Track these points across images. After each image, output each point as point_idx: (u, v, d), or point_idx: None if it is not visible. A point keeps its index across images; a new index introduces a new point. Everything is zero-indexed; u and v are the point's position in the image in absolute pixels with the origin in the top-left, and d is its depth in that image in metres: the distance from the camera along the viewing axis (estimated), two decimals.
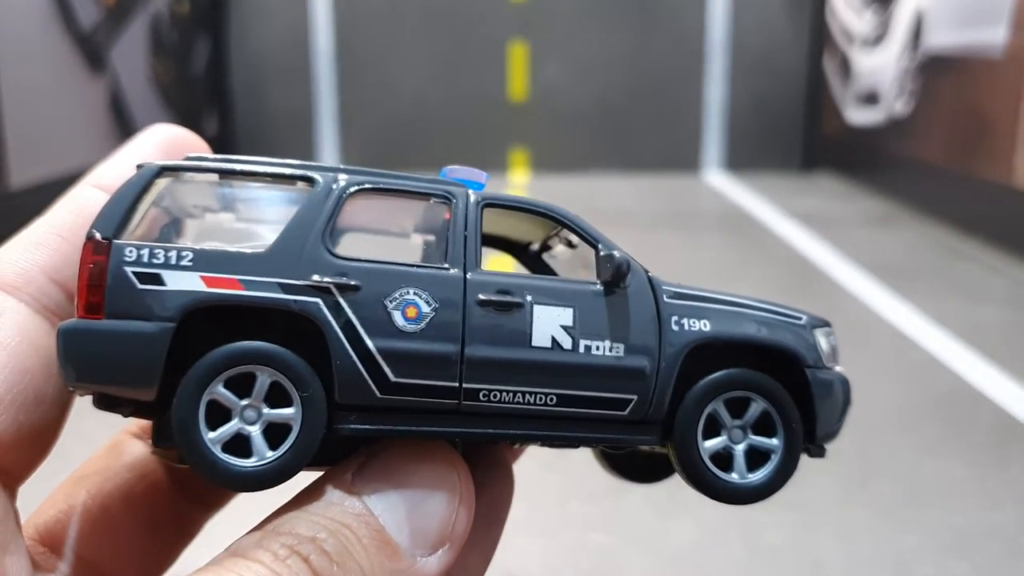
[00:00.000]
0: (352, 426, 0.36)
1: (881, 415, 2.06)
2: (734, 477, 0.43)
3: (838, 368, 0.46)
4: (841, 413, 0.46)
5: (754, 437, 0.44)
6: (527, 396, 0.39)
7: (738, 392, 0.43)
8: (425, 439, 0.37)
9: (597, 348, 0.40)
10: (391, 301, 0.38)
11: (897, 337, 2.58)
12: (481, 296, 0.39)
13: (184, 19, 5.20)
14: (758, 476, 0.43)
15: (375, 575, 0.31)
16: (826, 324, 0.47)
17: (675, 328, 0.41)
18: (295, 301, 0.37)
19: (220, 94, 5.74)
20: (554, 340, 0.39)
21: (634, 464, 0.49)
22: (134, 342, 0.37)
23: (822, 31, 5.59)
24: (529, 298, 0.39)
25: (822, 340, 0.46)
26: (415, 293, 0.38)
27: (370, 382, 0.37)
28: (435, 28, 5.71)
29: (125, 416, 0.39)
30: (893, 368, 2.34)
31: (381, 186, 0.41)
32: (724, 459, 0.43)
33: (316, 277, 0.38)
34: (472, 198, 0.42)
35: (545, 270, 0.49)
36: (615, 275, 0.41)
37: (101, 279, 0.37)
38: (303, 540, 0.30)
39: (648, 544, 1.55)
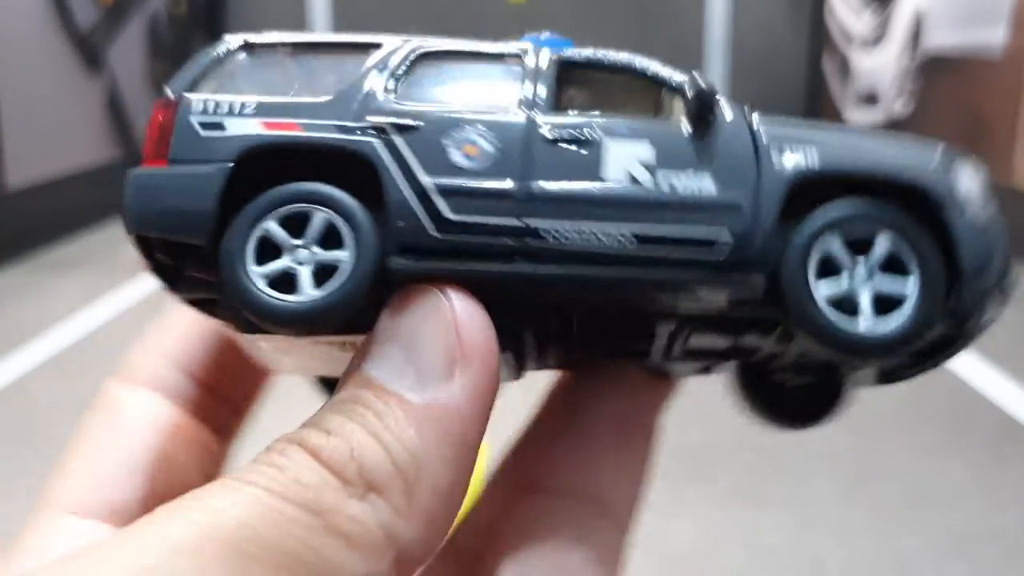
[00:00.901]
0: (407, 265, 0.34)
1: (881, 416, 2.06)
2: (860, 324, 0.36)
3: (988, 209, 0.39)
4: (994, 265, 0.38)
5: (882, 279, 0.36)
6: (600, 236, 0.35)
7: (858, 226, 0.36)
8: (484, 281, 0.34)
9: (680, 183, 0.36)
10: (450, 139, 0.36)
11: None
12: (548, 134, 0.36)
13: (182, 20, 5.19)
14: (889, 323, 0.36)
15: (392, 429, 0.28)
16: (971, 159, 0.39)
17: (775, 160, 0.36)
18: (351, 140, 0.36)
19: None
20: (630, 175, 0.36)
21: (787, 399, 0.43)
22: (189, 182, 0.36)
23: (821, 32, 5.59)
24: (602, 133, 0.36)
25: (963, 174, 0.38)
26: (475, 132, 0.36)
27: (426, 220, 0.35)
28: (433, 30, 5.68)
29: (174, 291, 0.38)
30: None
31: (450, 48, 0.40)
32: (847, 306, 0.36)
33: (373, 118, 0.36)
34: (547, 53, 0.39)
35: None
36: (698, 102, 0.37)
37: (168, 130, 0.38)
38: (298, 431, 0.28)
39: (647, 544, 1.54)
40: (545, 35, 0.41)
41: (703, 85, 0.37)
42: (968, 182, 0.38)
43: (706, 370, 0.42)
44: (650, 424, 0.38)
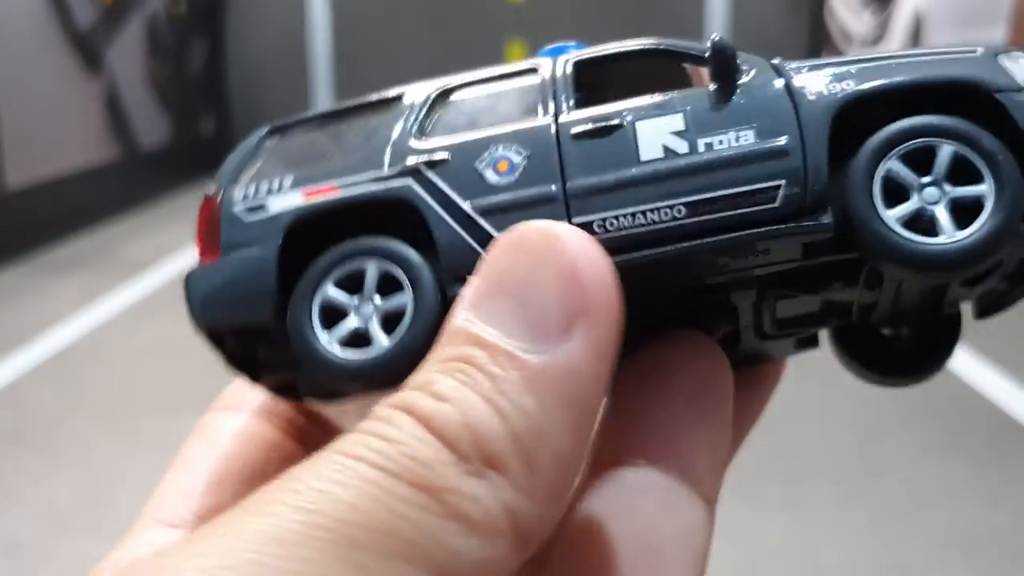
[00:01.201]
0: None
1: (881, 416, 2.06)
2: (941, 239, 0.34)
3: None
4: None
5: (955, 188, 0.35)
6: (650, 214, 0.34)
7: (915, 142, 0.35)
8: None
9: (720, 142, 0.35)
10: (480, 162, 0.36)
11: None
12: (574, 130, 0.36)
13: (181, 19, 5.19)
14: (972, 230, 0.34)
15: (509, 394, 0.25)
16: (1014, 49, 0.37)
17: (812, 97, 0.35)
18: (388, 188, 0.37)
19: (217, 95, 5.73)
20: (666, 148, 0.35)
21: (894, 357, 0.42)
22: (244, 266, 0.37)
23: (821, 32, 5.59)
24: (629, 117, 0.36)
25: (1014, 64, 0.36)
26: (503, 148, 0.36)
27: (476, 244, 0.35)
28: (433, 29, 5.71)
29: (262, 385, 0.38)
30: None
31: (465, 81, 0.40)
32: (924, 227, 0.34)
33: (406, 162, 0.37)
34: (559, 60, 0.40)
35: None
36: (719, 58, 0.36)
37: (216, 223, 0.39)
38: (404, 394, 0.25)
39: None
40: (556, 45, 0.41)
41: (719, 41, 0.36)
42: (1018, 68, 0.36)
43: (808, 343, 0.41)
44: (724, 388, 0.36)
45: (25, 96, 3.55)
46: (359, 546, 0.22)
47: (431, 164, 0.36)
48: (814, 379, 2.26)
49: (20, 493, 1.72)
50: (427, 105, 0.40)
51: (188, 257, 3.53)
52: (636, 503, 0.31)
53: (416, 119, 0.39)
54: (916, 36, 4.36)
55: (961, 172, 0.34)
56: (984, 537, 1.58)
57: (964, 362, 2.38)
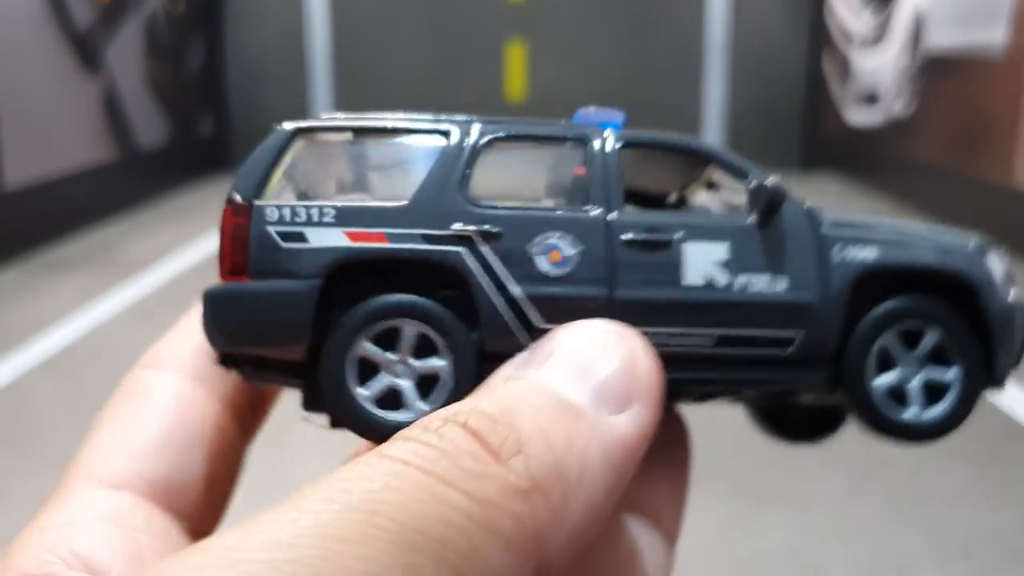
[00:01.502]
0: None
1: None
2: (911, 413, 0.39)
3: (1014, 292, 0.43)
4: (1020, 340, 0.41)
5: (931, 370, 0.40)
6: (682, 338, 0.37)
7: (912, 322, 0.40)
8: None
9: (756, 284, 0.37)
10: (534, 246, 0.37)
11: None
12: (626, 236, 0.37)
13: (179, 19, 5.19)
14: (935, 411, 0.40)
15: (560, 432, 0.26)
16: (997, 248, 0.43)
17: (839, 258, 0.39)
18: (440, 251, 0.37)
19: (215, 95, 5.73)
20: (708, 278, 0.37)
21: (793, 420, 0.46)
22: (282, 300, 0.37)
23: (821, 32, 5.59)
24: (679, 235, 0.37)
25: (995, 264, 0.42)
26: (558, 237, 0.37)
27: (518, 329, 0.36)
28: (432, 29, 5.70)
29: (275, 386, 0.39)
30: None
31: (515, 134, 0.40)
32: (899, 395, 0.40)
33: (458, 226, 0.37)
34: (609, 138, 0.40)
35: None
36: (769, 204, 0.39)
37: (244, 240, 0.37)
38: (460, 411, 0.26)
39: None
40: (601, 112, 0.41)
41: (773, 187, 0.39)
42: (998, 269, 0.42)
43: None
44: (688, 450, 0.39)
45: (23, 96, 3.54)
46: (415, 548, 0.22)
47: (485, 236, 0.36)
48: None
49: (20, 492, 1.72)
50: (475, 153, 0.39)
51: (187, 257, 3.52)
52: (619, 539, 0.34)
53: (465, 169, 0.38)
54: (916, 36, 4.36)
55: (939, 354, 0.40)
56: (985, 538, 1.58)
57: None
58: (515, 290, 0.36)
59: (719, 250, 0.37)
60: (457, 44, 5.72)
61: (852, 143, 5.22)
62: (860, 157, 5.06)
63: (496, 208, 0.38)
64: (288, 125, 0.40)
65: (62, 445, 2.06)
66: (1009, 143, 3.43)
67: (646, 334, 0.34)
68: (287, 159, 0.40)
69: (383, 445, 0.26)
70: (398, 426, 0.34)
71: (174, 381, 0.38)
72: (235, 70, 5.78)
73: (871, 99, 4.94)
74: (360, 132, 0.40)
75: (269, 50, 5.74)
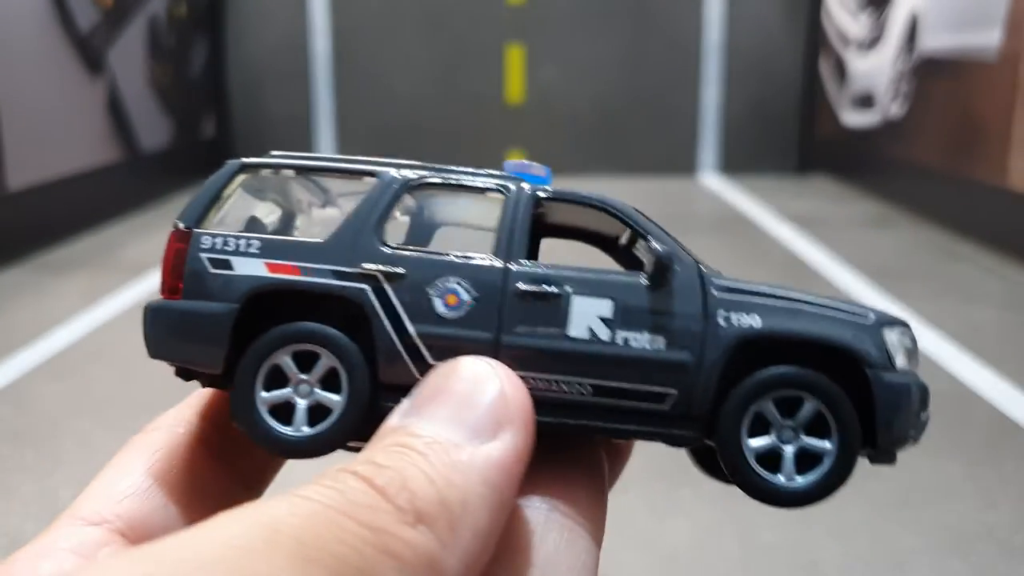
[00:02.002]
0: (394, 405, 0.37)
1: None
2: (780, 479, 0.41)
3: (915, 371, 0.44)
4: (914, 419, 0.43)
5: (806, 439, 0.41)
6: (562, 385, 0.39)
7: (788, 391, 0.41)
8: None
9: (636, 340, 0.40)
10: (433, 288, 0.40)
11: None
12: (520, 286, 0.40)
13: (182, 21, 5.20)
14: (806, 479, 0.41)
15: (441, 470, 0.30)
16: (902, 324, 0.44)
17: (722, 323, 0.40)
18: (345, 287, 0.40)
19: (218, 97, 5.74)
20: (591, 331, 0.39)
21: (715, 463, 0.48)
22: (203, 320, 0.41)
23: (817, 34, 5.61)
24: (569, 289, 0.40)
25: (892, 339, 0.43)
26: (456, 282, 0.40)
27: (410, 364, 0.39)
28: (432, 31, 5.72)
29: (203, 386, 0.43)
30: None
31: (435, 181, 0.43)
32: (775, 459, 0.41)
33: (366, 265, 0.40)
34: (526, 191, 0.43)
35: (635, 263, 0.48)
36: (656, 267, 0.41)
37: (181, 264, 0.42)
38: (352, 463, 0.30)
39: (643, 543, 1.56)
40: (525, 165, 0.44)
41: (661, 252, 0.41)
42: (894, 346, 0.42)
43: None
44: (603, 462, 0.41)
45: (26, 98, 3.56)
46: (316, 563, 0.25)
47: (389, 276, 0.40)
48: None
49: (22, 491, 1.73)
50: (395, 198, 0.42)
51: None
52: (545, 536, 0.36)
53: (383, 212, 0.42)
54: (912, 38, 4.38)
55: (815, 423, 0.41)
56: (980, 535, 1.59)
57: (960, 362, 2.40)
58: (411, 329, 0.39)
59: (604, 306, 0.40)
60: (457, 46, 5.74)
61: (848, 145, 5.24)
62: (856, 159, 5.08)
63: (405, 250, 0.41)
64: (235, 161, 0.45)
65: (64, 444, 2.07)
66: (1003, 145, 3.45)
67: (530, 379, 0.38)
68: (233, 191, 0.44)
69: (290, 490, 0.29)
70: (274, 433, 0.39)
71: (167, 437, 0.41)
72: (237, 72, 5.79)
73: (867, 101, 4.95)
74: (301, 170, 0.44)
75: (271, 52, 5.75)
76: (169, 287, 0.42)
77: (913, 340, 0.44)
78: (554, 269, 0.41)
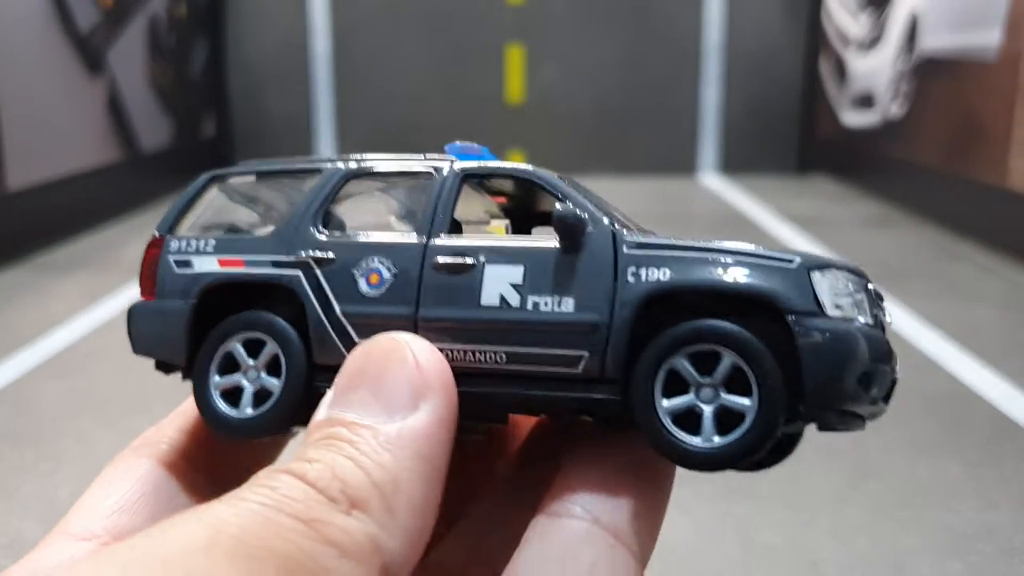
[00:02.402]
0: (327, 385, 0.38)
1: None
2: (697, 440, 0.38)
3: (861, 319, 0.40)
4: (859, 373, 0.38)
5: (725, 396, 0.38)
6: (479, 355, 0.39)
7: (702, 345, 0.38)
8: None
9: (545, 304, 0.39)
10: (358, 269, 0.41)
11: (892, 338, 2.58)
12: (439, 260, 0.41)
13: (182, 21, 5.20)
14: (723, 440, 0.38)
15: (368, 453, 0.31)
16: (841, 268, 0.40)
17: (631, 279, 0.39)
18: (280, 275, 0.42)
19: (218, 97, 5.74)
20: (502, 298, 0.39)
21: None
22: (166, 316, 0.44)
23: (817, 34, 5.61)
24: (482, 258, 0.40)
25: (822, 283, 0.39)
26: (379, 260, 0.41)
27: (339, 344, 0.41)
28: (432, 31, 5.72)
29: (183, 379, 0.45)
30: None
31: (371, 170, 0.45)
32: (695, 419, 0.38)
33: (301, 253, 0.42)
34: (453, 168, 0.44)
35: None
36: (565, 230, 0.40)
37: (154, 267, 0.45)
38: (283, 464, 0.31)
39: None
40: (464, 145, 0.45)
41: (568, 217, 0.40)
42: (825, 290, 0.39)
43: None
44: (669, 472, 0.40)
45: (27, 98, 3.56)
46: (256, 559, 0.26)
47: (319, 261, 0.41)
48: None
49: (22, 491, 1.73)
50: (334, 189, 0.44)
51: None
52: (581, 551, 0.35)
53: (322, 203, 0.44)
54: (912, 38, 4.38)
55: (736, 380, 0.38)
56: (980, 535, 1.59)
57: (961, 362, 2.40)
58: (338, 309, 0.41)
59: (515, 272, 0.39)
60: (457, 47, 5.74)
61: (848, 145, 5.24)
62: (856, 159, 5.08)
63: (336, 236, 0.43)
64: (206, 174, 0.48)
65: (64, 444, 2.07)
66: (1003, 145, 3.46)
67: (448, 350, 0.38)
68: (201, 204, 0.47)
69: (227, 494, 0.30)
70: (221, 414, 0.42)
71: (152, 452, 0.43)
72: (237, 72, 5.79)
73: (867, 101, 4.96)
74: (261, 175, 0.47)
75: (271, 53, 5.75)
76: (146, 289, 0.45)
77: (864, 287, 0.40)
78: (471, 239, 0.41)
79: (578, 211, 0.40)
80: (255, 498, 0.28)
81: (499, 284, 0.39)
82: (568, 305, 0.39)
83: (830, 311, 0.39)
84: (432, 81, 5.73)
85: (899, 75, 4.54)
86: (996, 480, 1.78)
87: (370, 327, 0.39)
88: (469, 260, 0.40)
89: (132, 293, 3.06)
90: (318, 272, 0.41)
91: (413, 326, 0.39)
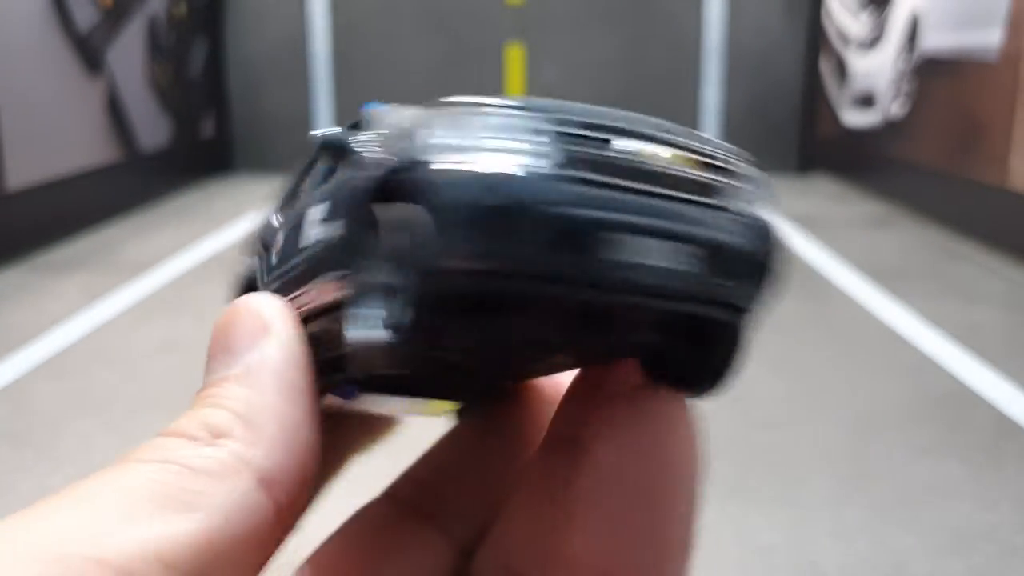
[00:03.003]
0: None
1: (876, 415, 2.07)
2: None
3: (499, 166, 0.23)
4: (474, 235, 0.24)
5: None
6: (302, 298, 0.37)
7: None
8: None
9: (322, 233, 0.37)
10: (274, 244, 0.41)
11: (892, 338, 2.58)
12: (277, 219, 0.41)
13: (181, 21, 5.20)
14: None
15: (226, 396, 0.32)
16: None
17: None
18: (251, 262, 0.42)
19: (217, 96, 5.74)
20: (311, 236, 0.38)
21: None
22: None
23: (818, 33, 5.61)
24: (307, 201, 0.39)
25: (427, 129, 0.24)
26: (273, 233, 0.41)
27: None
28: (432, 31, 5.72)
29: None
30: (888, 369, 2.35)
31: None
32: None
33: (264, 237, 0.43)
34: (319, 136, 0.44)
35: None
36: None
37: None
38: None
39: None
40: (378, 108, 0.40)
41: (322, 139, 0.36)
42: (433, 135, 0.25)
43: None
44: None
45: (26, 97, 3.56)
46: (132, 500, 0.27)
47: (265, 246, 0.41)
48: (811, 379, 2.28)
49: (22, 492, 1.73)
50: (303, 173, 0.43)
51: (189, 258, 3.54)
52: (648, 419, 0.31)
53: (292, 187, 0.42)
54: (913, 38, 4.38)
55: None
56: (980, 535, 1.59)
57: (961, 362, 2.40)
58: (260, 284, 0.41)
59: (323, 208, 0.36)
60: (457, 46, 5.74)
61: (848, 145, 5.23)
62: (857, 159, 5.08)
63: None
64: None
65: (64, 445, 2.07)
66: (1004, 144, 3.45)
67: (290, 302, 0.36)
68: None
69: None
70: None
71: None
72: (237, 72, 5.79)
73: (867, 101, 4.95)
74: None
75: (270, 52, 5.75)
76: None
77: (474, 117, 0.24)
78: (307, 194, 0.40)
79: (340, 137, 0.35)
80: (135, 457, 0.29)
81: (312, 225, 0.37)
82: (338, 227, 0.34)
83: (420, 153, 0.24)
84: (432, 81, 5.73)
85: (900, 75, 4.53)
86: (996, 480, 1.78)
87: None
88: (300, 210, 0.38)
89: (132, 293, 3.06)
90: (264, 255, 0.42)
91: (267, 285, 0.39)
